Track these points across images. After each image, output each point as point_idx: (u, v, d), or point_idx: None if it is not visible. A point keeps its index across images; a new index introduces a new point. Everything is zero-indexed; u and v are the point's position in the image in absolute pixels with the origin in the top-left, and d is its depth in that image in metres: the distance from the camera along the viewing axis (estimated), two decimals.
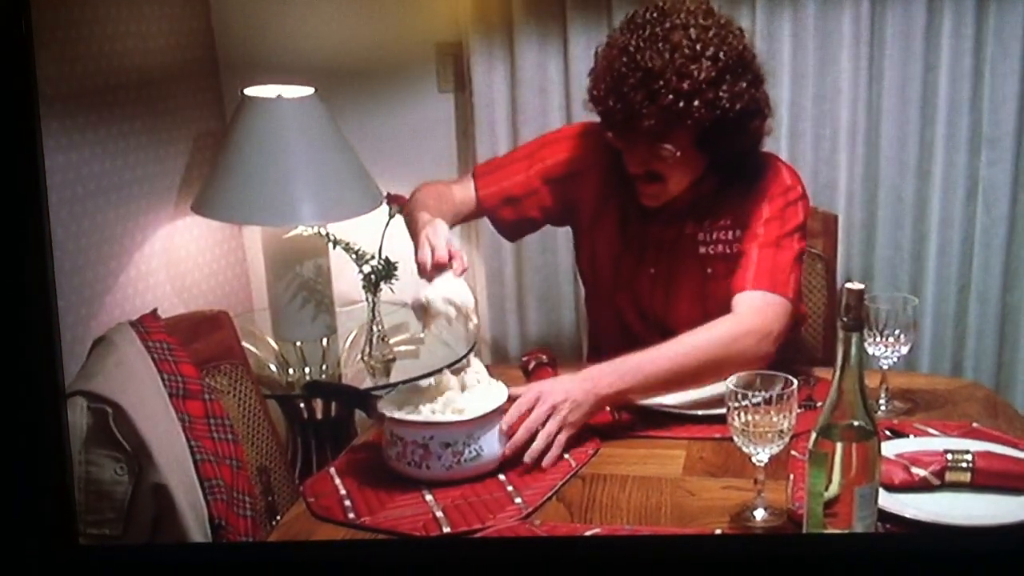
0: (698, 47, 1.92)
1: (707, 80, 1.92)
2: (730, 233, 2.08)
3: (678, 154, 1.99)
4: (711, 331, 1.91)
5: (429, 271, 1.78)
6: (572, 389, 1.82)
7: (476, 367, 1.79)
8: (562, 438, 1.79)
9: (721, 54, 1.93)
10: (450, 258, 1.79)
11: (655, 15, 1.97)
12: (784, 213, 2.06)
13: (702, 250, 2.09)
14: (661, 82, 1.90)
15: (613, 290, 2.20)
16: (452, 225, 2.07)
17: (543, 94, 2.78)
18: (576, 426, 1.82)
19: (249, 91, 2.55)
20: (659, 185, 2.05)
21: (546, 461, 1.77)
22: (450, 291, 1.75)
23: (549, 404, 1.79)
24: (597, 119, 2.07)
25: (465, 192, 2.22)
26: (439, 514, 1.61)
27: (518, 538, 1.55)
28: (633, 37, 1.95)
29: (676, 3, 1.99)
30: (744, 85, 1.97)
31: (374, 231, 2.60)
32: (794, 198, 2.08)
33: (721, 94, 1.93)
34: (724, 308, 2.00)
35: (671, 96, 1.90)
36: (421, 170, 2.92)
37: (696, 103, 1.91)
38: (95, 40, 2.41)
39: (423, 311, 1.75)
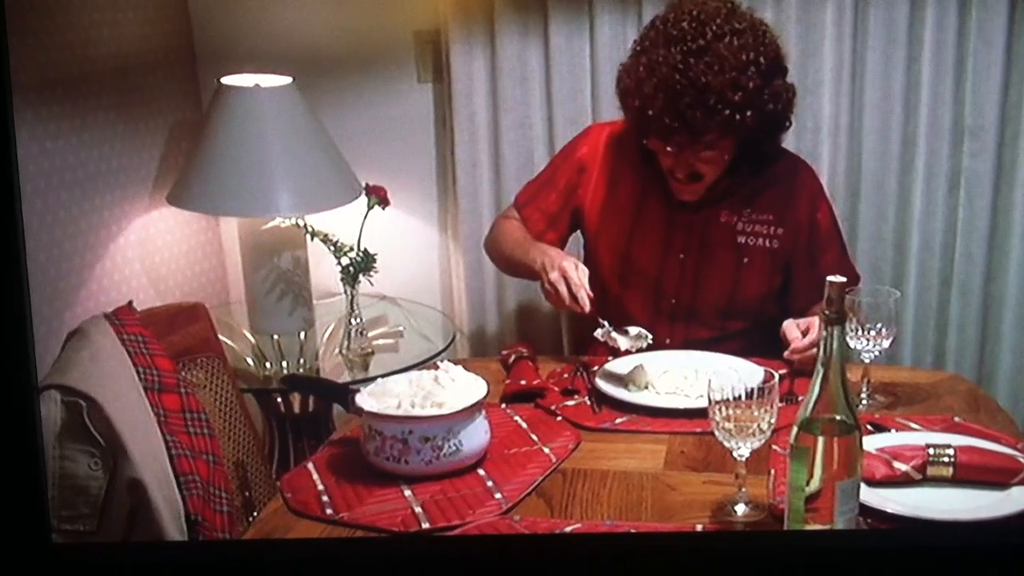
0: (742, 56, 2.00)
1: (755, 88, 2.00)
2: (772, 228, 2.18)
3: (726, 157, 2.09)
4: None
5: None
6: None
7: (447, 368, 1.78)
8: None
9: (762, 58, 2.02)
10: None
11: (693, 26, 2.02)
12: (833, 216, 2.26)
13: (740, 239, 2.19)
14: (716, 97, 1.97)
15: (621, 287, 2.24)
16: None
17: (524, 84, 2.76)
18: None
19: (226, 80, 2.52)
20: (700, 183, 2.14)
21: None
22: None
23: None
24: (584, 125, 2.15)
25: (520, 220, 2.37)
26: (418, 509, 1.60)
27: (498, 534, 1.54)
28: (677, 52, 2.00)
29: (705, 7, 2.05)
30: (780, 82, 2.08)
31: (353, 223, 2.58)
32: (824, 190, 2.28)
33: (766, 97, 2.03)
34: (752, 296, 2.17)
35: (728, 110, 1.99)
36: (400, 161, 2.91)
37: (749, 112, 2.00)
38: (70, 28, 2.38)
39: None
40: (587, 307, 2.01)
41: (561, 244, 2.32)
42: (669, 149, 2.09)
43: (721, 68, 1.97)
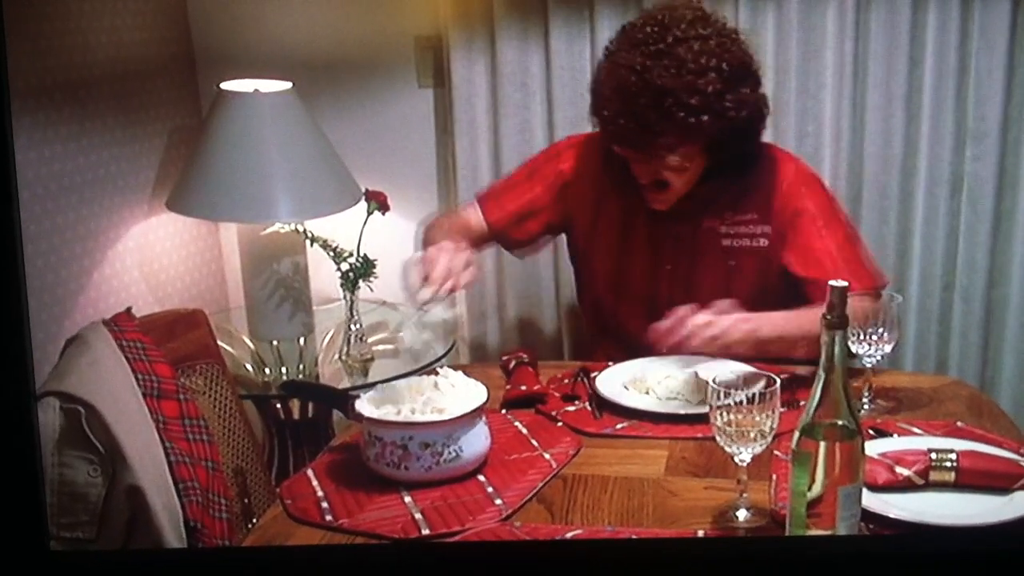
0: (703, 60, 1.97)
1: (715, 93, 1.97)
2: (757, 227, 2.15)
3: (687, 164, 2.06)
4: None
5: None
6: (721, 318, 1.94)
7: (447, 373, 1.78)
8: (693, 339, 1.91)
9: (724, 64, 1.99)
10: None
11: (656, 30, 2.01)
12: (826, 199, 2.16)
13: (725, 243, 2.16)
14: (672, 99, 1.96)
15: (616, 300, 2.22)
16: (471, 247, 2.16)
17: (524, 89, 2.75)
18: (700, 338, 1.91)
19: (225, 85, 2.52)
20: (667, 192, 2.11)
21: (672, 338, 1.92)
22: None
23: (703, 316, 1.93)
24: (583, 130, 2.09)
25: (475, 217, 2.29)
26: (418, 516, 1.59)
27: (498, 540, 1.53)
28: (638, 55, 1.99)
29: (673, 13, 2.03)
30: (747, 91, 2.04)
31: (352, 228, 2.57)
32: (817, 179, 2.19)
33: (728, 104, 1.99)
34: (745, 299, 2.08)
35: (682, 112, 1.96)
36: (400, 166, 2.91)
37: (706, 117, 1.97)
38: (68, 33, 2.38)
39: None
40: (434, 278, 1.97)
41: (528, 242, 2.32)
42: (626, 152, 2.08)
43: (679, 71, 1.96)
